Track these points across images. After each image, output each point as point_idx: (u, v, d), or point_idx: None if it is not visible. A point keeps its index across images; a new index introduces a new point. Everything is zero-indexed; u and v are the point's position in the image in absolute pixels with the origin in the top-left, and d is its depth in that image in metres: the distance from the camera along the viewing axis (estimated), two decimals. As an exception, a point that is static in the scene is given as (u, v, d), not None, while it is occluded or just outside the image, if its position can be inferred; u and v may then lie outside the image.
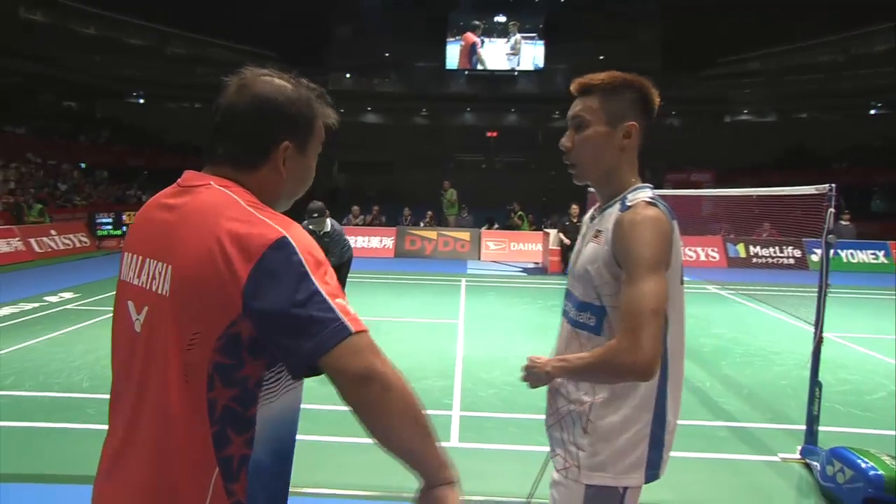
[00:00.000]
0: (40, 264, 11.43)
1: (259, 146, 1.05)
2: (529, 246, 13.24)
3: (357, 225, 14.28)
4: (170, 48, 36.99)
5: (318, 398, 2.76)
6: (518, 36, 26.67)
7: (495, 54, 27.32)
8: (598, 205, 1.52)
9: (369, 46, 30.69)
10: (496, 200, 18.02)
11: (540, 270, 11.81)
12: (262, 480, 0.98)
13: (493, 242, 13.65)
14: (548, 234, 11.85)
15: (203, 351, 0.92)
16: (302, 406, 1.09)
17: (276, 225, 0.94)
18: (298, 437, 1.07)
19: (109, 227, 13.90)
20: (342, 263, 6.02)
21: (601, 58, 26.04)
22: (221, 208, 0.96)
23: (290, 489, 1.08)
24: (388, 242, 13.55)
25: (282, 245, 0.92)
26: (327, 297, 0.91)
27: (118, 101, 36.63)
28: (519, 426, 3.98)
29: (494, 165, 30.25)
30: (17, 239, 11.81)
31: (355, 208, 14.38)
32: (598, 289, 1.39)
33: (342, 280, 5.95)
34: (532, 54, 26.96)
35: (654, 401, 1.38)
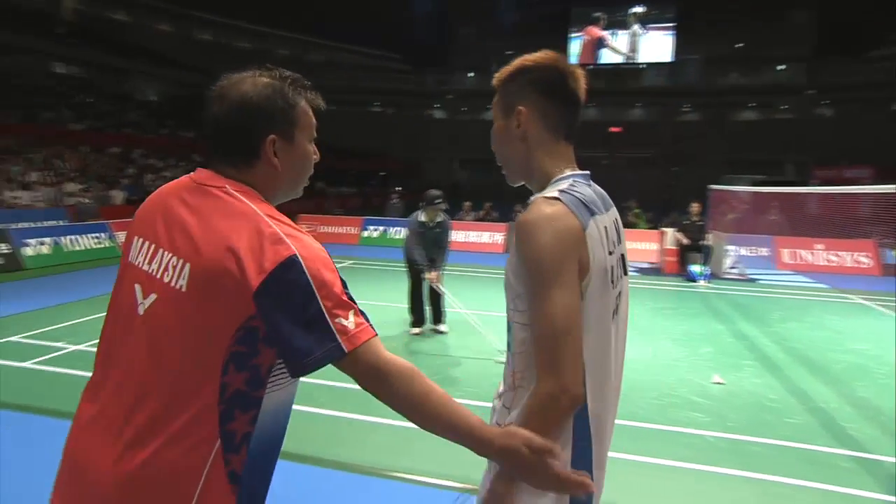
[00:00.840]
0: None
1: (247, 146, 1.13)
2: (645, 245, 12.62)
3: (469, 220, 14.57)
4: (308, 56, 40.13)
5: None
6: (636, 27, 25.33)
7: (620, 47, 26.19)
8: None
9: (491, 45, 31.03)
10: (617, 198, 17.20)
11: (655, 271, 11.21)
12: (259, 456, 1.06)
13: (608, 241, 13.19)
14: (664, 233, 11.22)
15: (221, 341, 1.00)
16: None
17: (290, 242, 1.02)
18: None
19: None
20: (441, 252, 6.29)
21: (738, 45, 23.88)
22: (241, 219, 1.04)
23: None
24: (499, 238, 13.67)
25: (291, 264, 0.99)
26: (328, 319, 1.00)
27: (267, 107, 40.59)
28: (628, 434, 3.86)
29: (616, 162, 29.06)
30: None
31: (467, 204, 14.68)
32: (510, 302, 1.23)
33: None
34: (661, 45, 25.45)
35: (576, 432, 1.17)
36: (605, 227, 1.22)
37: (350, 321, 1.02)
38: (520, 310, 1.20)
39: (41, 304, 7.18)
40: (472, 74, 32.86)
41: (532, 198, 1.21)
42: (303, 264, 1.00)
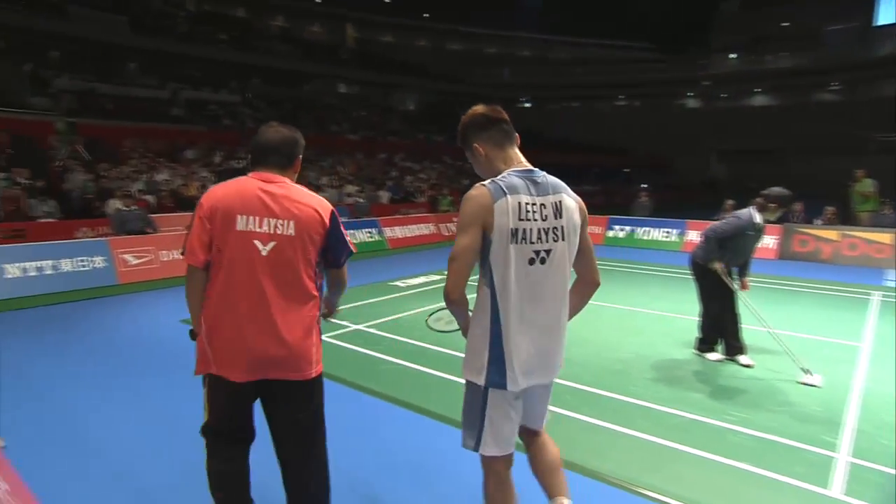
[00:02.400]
0: (446, 245, 14.15)
1: (291, 159, 2.29)
2: None
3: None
4: (553, 54, 40.23)
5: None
6: None
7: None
8: None
9: (761, 18, 26.93)
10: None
11: None
12: (322, 294, 2.32)
13: (930, 248, 10.25)
14: None
15: (314, 255, 2.19)
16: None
17: (326, 203, 2.26)
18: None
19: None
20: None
21: None
22: (306, 194, 2.23)
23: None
24: (770, 241, 11.71)
25: (335, 213, 2.24)
26: (347, 239, 2.27)
27: (511, 107, 42.02)
28: None
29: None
30: (432, 224, 14.95)
31: (729, 202, 12.85)
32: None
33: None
34: None
35: (490, 324, 1.99)
36: (525, 205, 1.95)
37: (350, 244, 2.32)
38: None
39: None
40: (734, 55, 29.07)
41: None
42: (336, 213, 2.25)
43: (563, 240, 2.02)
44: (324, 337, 5.68)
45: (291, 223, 2.12)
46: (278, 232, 2.11)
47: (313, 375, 2.22)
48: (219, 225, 2.11)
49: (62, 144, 15.36)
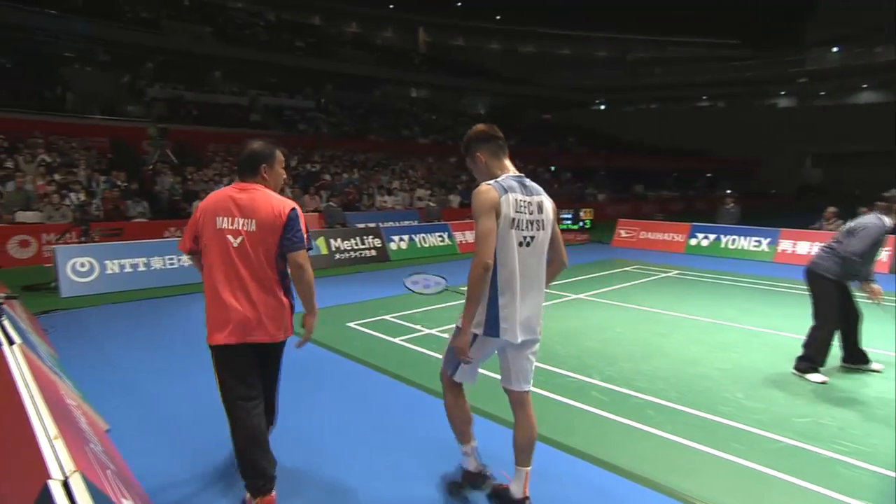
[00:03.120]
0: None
1: (255, 169, 2.85)
2: None
3: (830, 230, 11.82)
4: (631, 54, 38.99)
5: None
6: None
7: None
8: None
9: (867, 8, 24.83)
10: None
11: None
12: (290, 287, 2.86)
13: None
14: None
15: (274, 247, 2.76)
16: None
17: (289, 203, 2.80)
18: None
19: (569, 221, 15.70)
20: None
21: None
22: (271, 197, 2.80)
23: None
24: (883, 254, 10.70)
25: (294, 210, 2.80)
26: (304, 234, 2.81)
27: (583, 110, 41.10)
28: None
29: None
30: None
31: (830, 210, 11.82)
32: None
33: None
34: None
35: (490, 292, 2.60)
36: (520, 201, 2.60)
37: (306, 239, 2.82)
38: None
39: (403, 290, 8.48)
40: (836, 49, 26.94)
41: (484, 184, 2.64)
42: (297, 212, 2.80)
43: (542, 230, 2.67)
44: (398, 339, 5.76)
45: (253, 221, 2.76)
46: (244, 229, 2.76)
47: (281, 339, 2.87)
48: (203, 224, 2.80)
49: (154, 149, 16.41)
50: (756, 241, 12.34)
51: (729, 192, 15.83)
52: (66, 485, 1.49)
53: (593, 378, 4.71)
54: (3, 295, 4.30)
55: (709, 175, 33.25)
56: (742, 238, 12.57)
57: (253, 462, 2.74)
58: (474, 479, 3.00)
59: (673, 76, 35.44)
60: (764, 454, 3.42)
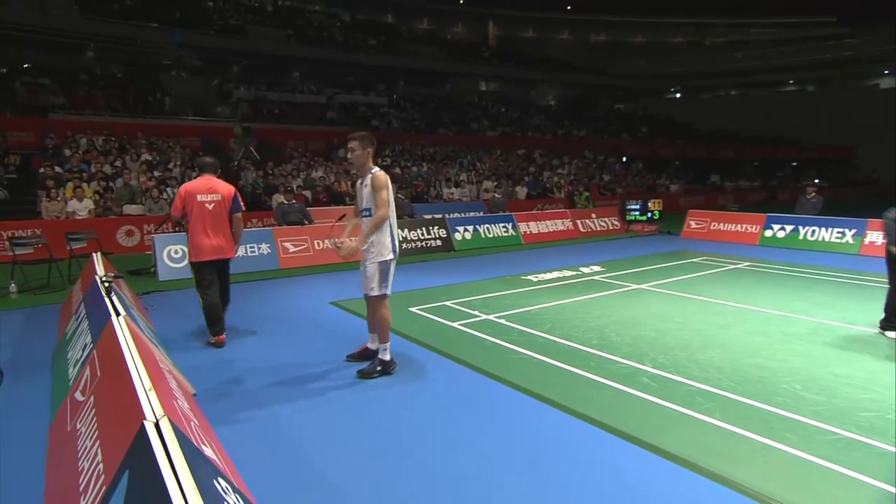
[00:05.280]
0: (581, 242, 13.84)
1: (216, 169, 5.62)
2: None
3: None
4: (709, 38, 37.13)
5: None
6: None
7: None
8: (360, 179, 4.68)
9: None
10: None
11: None
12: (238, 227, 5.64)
13: None
14: None
15: (227, 210, 5.41)
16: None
17: (231, 186, 5.52)
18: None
19: (637, 212, 15.36)
20: None
21: None
22: (222, 183, 5.48)
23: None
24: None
25: (235, 190, 5.53)
26: (241, 202, 5.56)
27: (658, 99, 39.57)
28: None
29: None
30: (568, 220, 14.70)
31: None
32: (369, 202, 4.49)
33: None
34: None
35: (389, 233, 4.52)
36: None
37: (242, 206, 5.58)
38: (373, 204, 4.48)
39: (465, 278, 8.77)
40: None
41: (372, 171, 4.54)
42: (237, 192, 5.55)
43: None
44: (456, 324, 6.03)
45: (218, 195, 5.32)
46: (214, 199, 5.29)
47: (231, 256, 5.47)
48: (188, 199, 5.24)
49: (239, 146, 17.57)
50: (839, 232, 11.58)
51: (810, 181, 14.85)
52: (157, 426, 1.85)
53: (645, 365, 4.75)
54: (111, 275, 4.94)
55: (794, 164, 31.12)
56: (823, 229, 11.85)
57: (213, 320, 5.33)
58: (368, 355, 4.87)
59: (753, 60, 33.33)
60: (818, 445, 3.38)
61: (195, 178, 5.72)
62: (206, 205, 5.22)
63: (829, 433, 3.54)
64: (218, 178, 5.44)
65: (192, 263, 5.31)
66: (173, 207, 5.29)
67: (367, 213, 4.49)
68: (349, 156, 4.58)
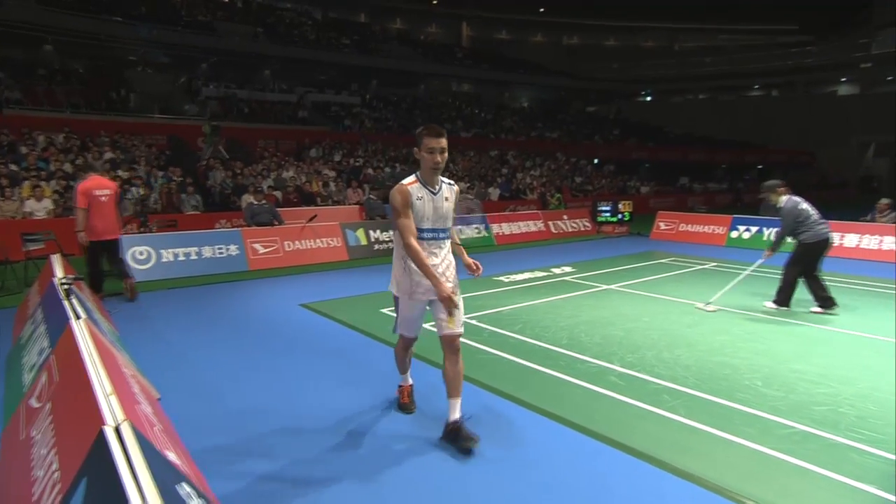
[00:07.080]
0: (553, 243, 13.98)
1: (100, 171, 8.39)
2: None
3: (884, 222, 11.37)
4: (679, 44, 37.89)
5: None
6: None
7: None
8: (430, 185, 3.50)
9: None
10: None
11: None
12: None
13: None
14: None
15: (114, 201, 7.28)
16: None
17: (114, 183, 7.77)
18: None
19: (608, 213, 15.59)
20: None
21: None
22: (108, 180, 7.62)
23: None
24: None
25: (116, 187, 7.59)
26: (122, 195, 8.71)
27: (629, 102, 40.24)
28: None
29: None
30: (540, 221, 14.83)
31: (884, 201, 11.41)
32: (448, 218, 3.57)
33: (816, 258, 6.91)
34: None
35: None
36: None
37: (123, 199, 9.61)
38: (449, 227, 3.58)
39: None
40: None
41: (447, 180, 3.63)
42: (117, 187, 7.58)
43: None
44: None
45: (108, 190, 7.12)
46: (106, 193, 7.07)
47: (118, 237, 7.28)
48: (89, 194, 6.88)
49: (207, 145, 17.24)
50: (801, 233, 11.91)
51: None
52: (117, 430, 1.81)
53: (613, 364, 4.83)
54: (71, 277, 4.79)
55: (760, 167, 32.02)
56: (786, 230, 12.17)
57: (99, 284, 7.13)
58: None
59: (722, 65, 34.17)
60: (775, 439, 3.48)
61: (86, 177, 7.13)
62: (101, 198, 6.97)
63: (786, 427, 3.65)
64: (104, 177, 7.57)
65: (89, 242, 6.97)
66: (79, 202, 6.80)
67: (445, 235, 3.53)
68: (439, 157, 3.40)
